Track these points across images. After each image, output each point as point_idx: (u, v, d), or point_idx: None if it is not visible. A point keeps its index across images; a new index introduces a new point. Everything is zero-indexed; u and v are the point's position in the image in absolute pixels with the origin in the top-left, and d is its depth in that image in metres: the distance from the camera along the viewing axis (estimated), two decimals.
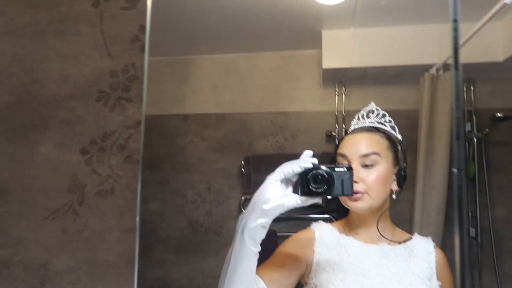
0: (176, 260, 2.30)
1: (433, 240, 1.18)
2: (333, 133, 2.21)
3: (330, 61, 2.06)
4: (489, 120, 1.94)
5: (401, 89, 2.19)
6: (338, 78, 2.24)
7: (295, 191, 0.83)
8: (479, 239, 2.00)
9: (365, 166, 1.04)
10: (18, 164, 0.79)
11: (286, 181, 0.82)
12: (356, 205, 1.04)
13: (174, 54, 2.45)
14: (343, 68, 2.06)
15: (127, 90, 0.73)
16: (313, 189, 0.80)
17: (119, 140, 0.72)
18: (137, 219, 0.70)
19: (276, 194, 0.80)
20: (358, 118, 1.16)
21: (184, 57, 2.47)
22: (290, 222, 2.22)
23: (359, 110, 1.15)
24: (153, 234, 2.33)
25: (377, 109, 1.14)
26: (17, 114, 0.81)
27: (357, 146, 1.05)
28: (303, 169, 0.81)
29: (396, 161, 1.10)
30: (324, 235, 1.12)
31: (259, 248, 0.84)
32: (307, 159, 0.82)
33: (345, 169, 0.82)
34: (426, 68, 1.94)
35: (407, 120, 2.10)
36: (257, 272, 0.94)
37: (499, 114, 1.86)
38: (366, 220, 1.10)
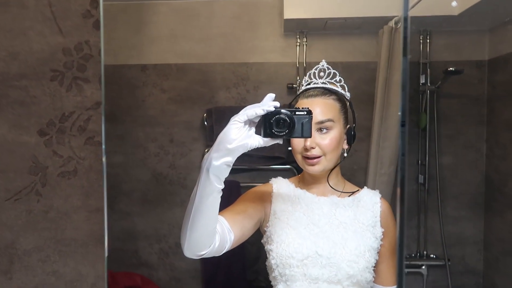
0: (141, 212, 2.34)
1: (385, 189, 1.29)
2: (295, 85, 2.22)
3: (292, 11, 2.01)
4: (442, 72, 2.02)
5: (362, 41, 2.20)
6: (300, 29, 2.21)
7: (257, 132, 0.88)
8: (426, 185, 2.17)
9: (320, 130, 1.12)
10: None
11: (249, 122, 0.87)
12: (313, 169, 1.13)
13: None
14: (305, 19, 2.03)
15: (82, 69, 0.70)
16: (275, 133, 0.85)
17: (78, 122, 0.70)
18: (105, 199, 0.71)
19: (239, 135, 0.84)
20: (310, 77, 1.21)
21: (139, 2, 2.33)
22: (253, 173, 2.30)
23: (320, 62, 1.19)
24: (117, 187, 2.33)
25: (328, 68, 1.19)
26: None
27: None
28: (266, 112, 0.85)
29: (346, 121, 1.18)
30: (281, 189, 1.22)
31: (223, 186, 0.90)
32: (269, 102, 0.87)
33: (305, 112, 0.88)
34: (386, 20, 1.95)
35: (367, 72, 2.15)
36: (221, 214, 1.02)
37: (451, 68, 1.93)
38: (319, 177, 1.20)
